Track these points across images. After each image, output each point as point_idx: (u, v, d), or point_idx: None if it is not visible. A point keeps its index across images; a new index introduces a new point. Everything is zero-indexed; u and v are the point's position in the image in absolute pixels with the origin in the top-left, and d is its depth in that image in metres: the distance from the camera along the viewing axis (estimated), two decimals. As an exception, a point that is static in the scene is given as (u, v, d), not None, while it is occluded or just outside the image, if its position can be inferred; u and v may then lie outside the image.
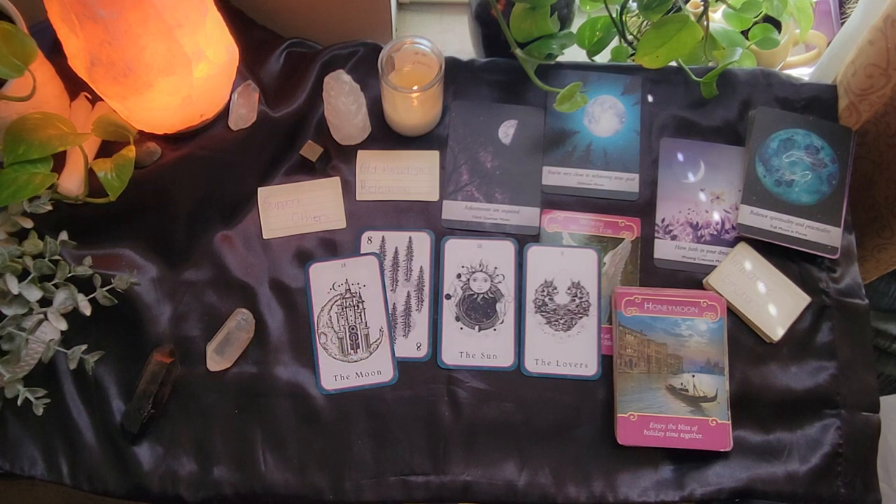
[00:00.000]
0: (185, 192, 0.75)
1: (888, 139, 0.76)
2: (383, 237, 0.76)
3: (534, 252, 0.76)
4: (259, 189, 0.78)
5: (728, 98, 0.81)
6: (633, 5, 0.80)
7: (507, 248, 0.76)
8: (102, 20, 0.60)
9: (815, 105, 0.80)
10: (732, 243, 0.76)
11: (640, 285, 0.75)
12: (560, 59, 0.81)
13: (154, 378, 0.69)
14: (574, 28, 0.82)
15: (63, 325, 0.65)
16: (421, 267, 0.75)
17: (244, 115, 0.77)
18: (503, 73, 0.81)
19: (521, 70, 0.78)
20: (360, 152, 0.79)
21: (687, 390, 0.70)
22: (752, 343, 0.73)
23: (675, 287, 0.75)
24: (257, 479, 0.69)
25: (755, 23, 0.82)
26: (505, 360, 0.73)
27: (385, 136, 0.80)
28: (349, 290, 0.74)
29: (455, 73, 0.81)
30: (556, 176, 0.78)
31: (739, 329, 0.74)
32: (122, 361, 0.72)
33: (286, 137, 0.79)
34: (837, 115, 0.80)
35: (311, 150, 0.78)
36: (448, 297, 0.75)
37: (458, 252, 0.76)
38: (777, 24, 0.87)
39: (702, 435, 0.69)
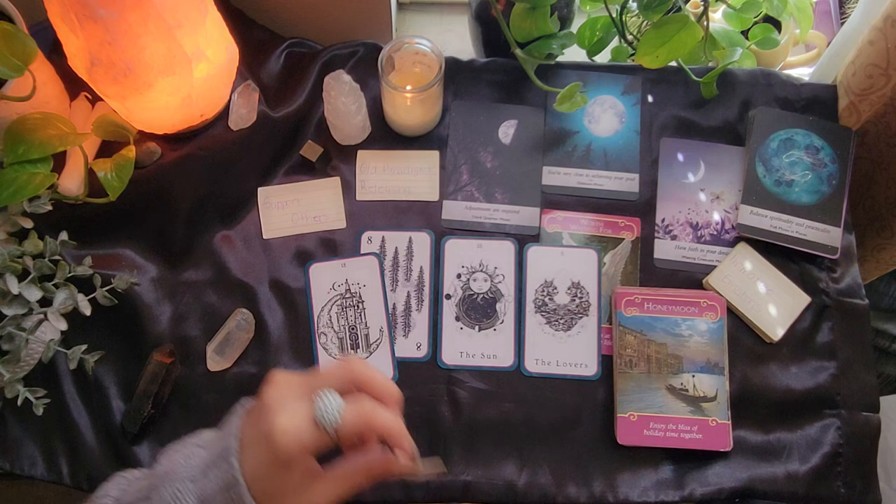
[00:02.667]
0: (185, 192, 0.75)
1: (888, 139, 0.76)
2: (383, 237, 0.76)
3: (534, 252, 0.76)
4: (259, 189, 0.78)
5: (728, 98, 0.81)
6: (633, 5, 0.80)
7: (507, 248, 0.76)
8: (102, 20, 0.60)
9: (815, 105, 0.80)
10: (732, 243, 0.76)
11: (640, 285, 0.75)
12: (560, 59, 0.80)
13: (154, 378, 0.69)
14: (574, 28, 0.82)
15: (63, 325, 0.65)
16: (421, 267, 0.75)
17: (244, 115, 0.77)
18: (503, 73, 0.81)
19: (521, 70, 0.78)
20: (360, 152, 0.79)
21: (687, 390, 0.70)
22: (752, 343, 0.73)
23: (675, 287, 0.75)
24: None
25: (755, 23, 0.82)
26: (505, 360, 0.73)
27: (385, 136, 0.80)
28: (349, 289, 0.74)
29: (455, 73, 0.81)
30: (556, 176, 0.78)
31: (739, 329, 0.74)
32: (122, 361, 0.72)
33: (286, 137, 0.79)
34: (837, 115, 0.80)
35: (311, 150, 0.78)
36: (448, 297, 0.74)
37: (458, 252, 0.76)
38: (777, 24, 0.87)
39: (702, 435, 0.69)
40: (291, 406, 0.45)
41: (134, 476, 0.52)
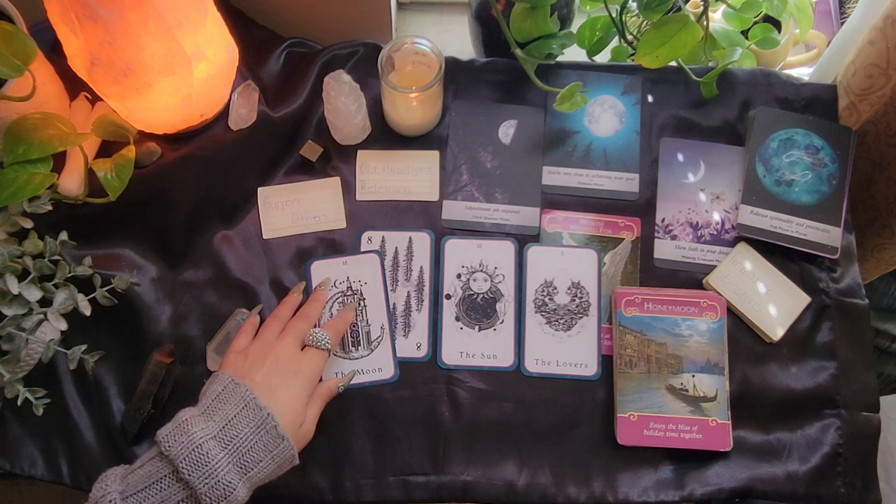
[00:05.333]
0: (185, 192, 0.75)
1: (888, 139, 0.76)
2: (383, 237, 0.76)
3: (534, 252, 0.76)
4: (259, 189, 0.78)
5: (728, 98, 0.81)
6: (633, 5, 0.80)
7: (507, 248, 0.76)
8: (102, 20, 0.60)
9: (815, 105, 0.80)
10: (732, 243, 0.76)
11: (640, 285, 0.75)
12: (560, 59, 0.81)
13: (154, 378, 0.69)
14: (574, 28, 0.82)
15: (63, 325, 0.65)
16: (421, 267, 0.75)
17: (244, 115, 0.77)
18: (503, 73, 0.81)
19: (521, 70, 0.78)
20: (360, 152, 0.79)
21: (687, 390, 0.70)
22: (752, 343, 0.73)
23: (675, 287, 0.75)
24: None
25: (755, 23, 0.82)
26: (505, 360, 0.73)
27: (385, 136, 0.80)
28: (350, 287, 0.74)
29: (455, 73, 0.81)
30: (556, 176, 0.78)
31: (739, 329, 0.74)
32: (122, 361, 0.72)
33: (286, 137, 0.79)
34: (837, 115, 0.80)
35: (311, 150, 0.78)
36: (448, 297, 0.74)
37: (458, 252, 0.76)
38: (777, 24, 0.87)
39: (702, 435, 0.69)
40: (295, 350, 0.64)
41: (125, 468, 0.57)
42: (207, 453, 0.54)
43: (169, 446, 0.54)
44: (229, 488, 0.54)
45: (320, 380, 0.71)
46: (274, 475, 0.59)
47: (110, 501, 0.52)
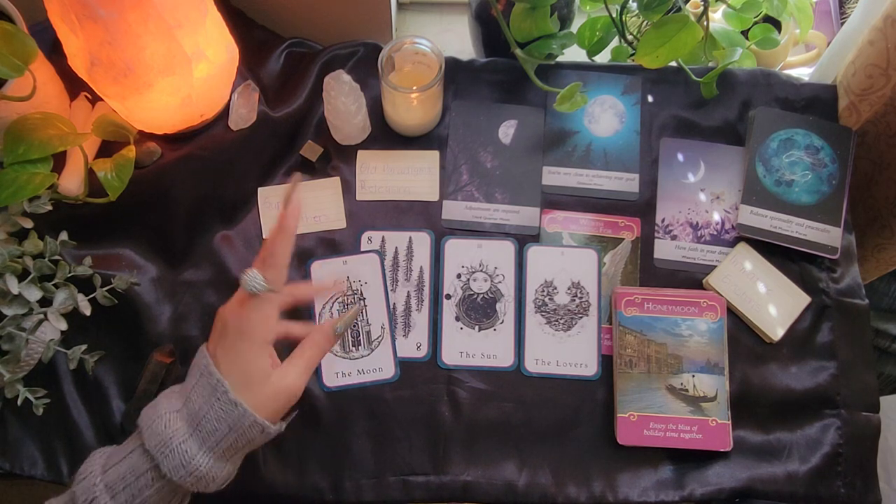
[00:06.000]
0: (185, 192, 0.75)
1: (888, 139, 0.76)
2: (383, 237, 0.76)
3: (534, 252, 0.76)
4: (259, 189, 0.78)
5: (728, 98, 0.81)
6: (633, 5, 0.80)
7: (507, 248, 0.76)
8: (102, 20, 0.60)
9: (815, 105, 0.80)
10: (732, 243, 0.76)
11: (640, 285, 0.75)
12: (560, 59, 0.81)
13: (154, 378, 0.69)
14: (574, 28, 0.82)
15: (63, 325, 0.65)
16: (421, 267, 0.75)
17: (244, 115, 0.77)
18: (503, 73, 0.81)
19: (521, 70, 0.78)
20: (360, 152, 0.79)
21: (687, 390, 0.70)
22: (752, 343, 0.73)
23: (675, 287, 0.75)
24: (257, 479, 0.69)
25: (755, 23, 0.82)
26: (505, 360, 0.73)
27: (385, 136, 0.80)
28: (350, 286, 0.74)
29: (455, 73, 0.81)
30: (556, 176, 0.78)
31: (739, 329, 0.74)
32: (122, 361, 0.72)
33: (286, 137, 0.79)
34: (837, 115, 0.80)
35: (311, 150, 0.78)
36: (448, 297, 0.74)
37: (458, 252, 0.76)
38: (777, 24, 0.87)
39: (702, 435, 0.69)
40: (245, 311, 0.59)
41: (114, 447, 0.57)
42: (166, 424, 0.54)
43: (140, 420, 0.55)
44: (186, 456, 0.53)
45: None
46: (245, 444, 0.56)
47: (91, 472, 0.54)
